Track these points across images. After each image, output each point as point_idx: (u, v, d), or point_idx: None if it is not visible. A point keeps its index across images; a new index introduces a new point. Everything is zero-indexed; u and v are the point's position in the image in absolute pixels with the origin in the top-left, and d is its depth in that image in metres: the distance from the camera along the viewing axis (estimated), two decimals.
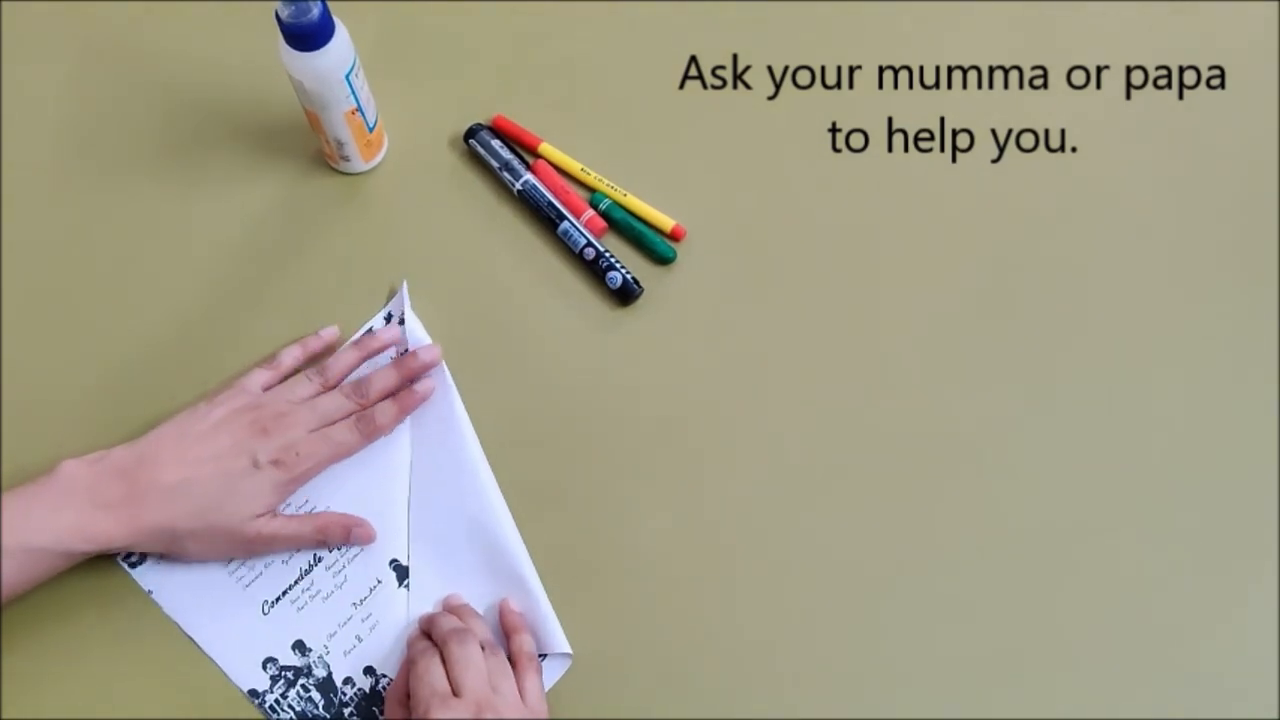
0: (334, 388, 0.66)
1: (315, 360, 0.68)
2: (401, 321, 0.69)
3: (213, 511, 0.60)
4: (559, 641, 0.62)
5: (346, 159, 0.72)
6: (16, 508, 0.58)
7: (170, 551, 0.62)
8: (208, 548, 0.62)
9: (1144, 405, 0.70)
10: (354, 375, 0.67)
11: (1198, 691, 0.63)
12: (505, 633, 0.62)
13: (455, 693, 0.56)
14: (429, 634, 0.61)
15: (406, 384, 0.67)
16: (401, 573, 0.64)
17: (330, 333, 0.69)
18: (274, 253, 0.71)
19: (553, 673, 0.62)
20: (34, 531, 0.58)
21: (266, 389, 0.65)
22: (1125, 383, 0.70)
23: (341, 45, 0.64)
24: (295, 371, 0.67)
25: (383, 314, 0.70)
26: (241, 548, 0.63)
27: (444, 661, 0.58)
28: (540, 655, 0.62)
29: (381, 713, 0.62)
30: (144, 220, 0.72)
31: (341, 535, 0.64)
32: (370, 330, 0.69)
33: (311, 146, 0.74)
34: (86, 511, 0.59)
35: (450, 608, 0.63)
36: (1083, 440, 0.69)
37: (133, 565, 0.63)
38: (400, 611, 0.64)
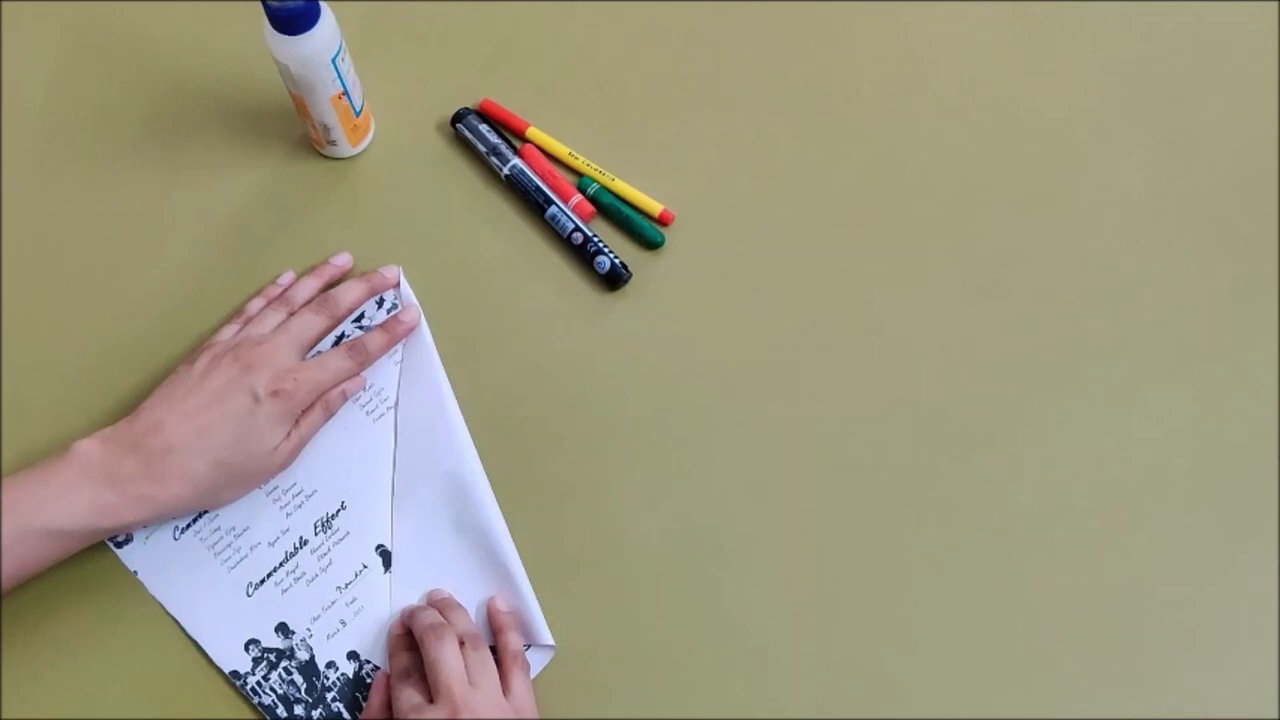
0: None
1: None
2: (393, 307, 0.69)
3: (233, 460, 0.60)
4: (542, 633, 0.62)
5: (333, 143, 0.72)
6: (31, 488, 0.57)
7: (208, 506, 0.63)
8: (241, 489, 0.63)
9: (1145, 400, 0.69)
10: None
11: (1198, 691, 0.63)
12: (493, 631, 0.62)
13: (432, 695, 0.57)
14: (409, 626, 0.61)
15: (373, 294, 0.69)
16: (386, 558, 0.64)
17: (287, 277, 0.69)
18: (260, 237, 0.71)
19: (535, 664, 0.62)
20: (51, 513, 0.57)
21: None
22: (1123, 374, 0.70)
23: (327, 29, 0.64)
24: None
25: (374, 297, 0.69)
26: (272, 476, 0.64)
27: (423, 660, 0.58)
28: (524, 646, 0.62)
29: (365, 698, 0.62)
30: (129, 205, 0.72)
31: (340, 397, 0.65)
32: (362, 314, 0.69)
33: (297, 131, 0.74)
34: (103, 489, 0.58)
35: (433, 602, 0.63)
36: (1082, 435, 0.68)
37: (119, 545, 0.63)
38: (385, 597, 0.64)
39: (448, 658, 0.57)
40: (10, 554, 0.56)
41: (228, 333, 0.66)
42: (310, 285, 0.68)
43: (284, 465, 0.63)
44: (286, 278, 0.69)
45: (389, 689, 0.60)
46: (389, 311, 0.69)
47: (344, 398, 0.66)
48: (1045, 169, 0.75)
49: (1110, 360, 0.70)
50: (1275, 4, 0.80)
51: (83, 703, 0.61)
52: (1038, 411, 0.68)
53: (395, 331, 0.67)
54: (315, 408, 0.64)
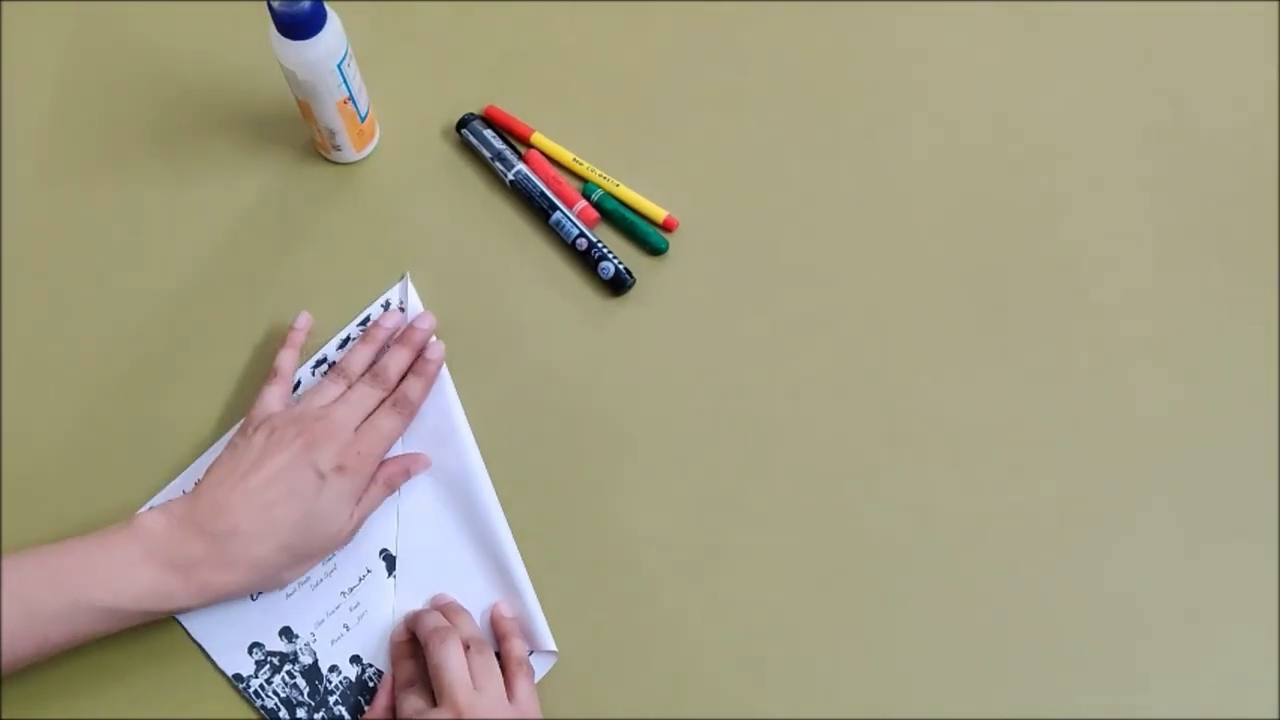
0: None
1: (307, 353, 0.68)
2: (402, 308, 0.69)
3: (298, 542, 0.59)
4: (545, 639, 0.62)
5: (338, 149, 0.72)
6: (92, 560, 0.55)
7: (267, 587, 0.61)
8: (303, 570, 0.62)
9: (1146, 401, 0.69)
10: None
11: (1198, 691, 0.63)
12: (497, 638, 0.62)
13: (436, 698, 0.57)
14: (413, 630, 0.61)
15: (416, 353, 0.67)
16: (391, 562, 0.64)
17: (304, 320, 0.68)
18: (266, 243, 0.71)
19: (537, 671, 0.62)
20: (112, 590, 0.55)
21: (284, 401, 0.65)
22: (1124, 376, 0.70)
23: (333, 34, 0.64)
24: (295, 373, 0.67)
25: (380, 301, 0.70)
26: (332, 552, 0.63)
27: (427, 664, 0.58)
28: (528, 652, 0.62)
29: (368, 702, 0.62)
30: (135, 211, 0.72)
31: (403, 475, 0.65)
32: (368, 319, 0.69)
33: (303, 136, 0.74)
34: (166, 574, 0.56)
35: (438, 606, 0.63)
36: (1084, 435, 0.68)
37: None
38: (389, 601, 0.64)
39: (452, 661, 0.57)
40: (60, 624, 0.55)
41: (272, 397, 0.64)
42: (365, 354, 0.67)
43: (346, 541, 0.63)
44: (303, 320, 0.68)
45: (393, 694, 0.60)
46: (385, 306, 0.69)
47: (407, 475, 0.65)
48: (1048, 174, 0.75)
49: (1110, 362, 0.70)
50: (1275, 4, 0.81)
51: (85, 703, 0.61)
52: (1038, 414, 0.69)
53: (428, 373, 0.66)
54: (377, 484, 0.63)
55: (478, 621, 0.63)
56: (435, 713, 0.56)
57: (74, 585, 0.55)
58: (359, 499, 0.62)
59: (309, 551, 0.61)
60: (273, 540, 0.58)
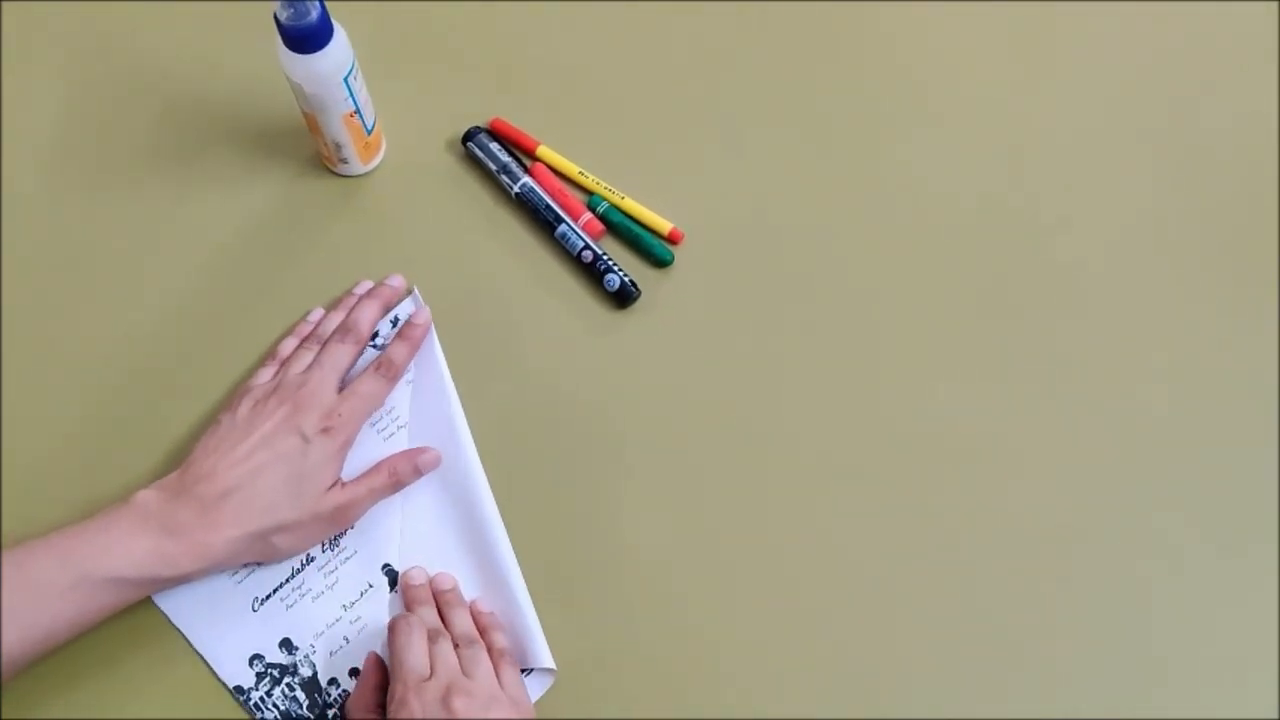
0: None
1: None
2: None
3: (285, 501, 0.60)
4: (543, 656, 0.61)
5: (345, 161, 0.72)
6: (91, 536, 0.57)
7: (264, 556, 0.62)
8: (296, 537, 0.62)
9: (1143, 403, 0.69)
10: None
11: (1198, 691, 0.62)
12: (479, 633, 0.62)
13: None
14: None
15: (387, 309, 0.69)
16: (393, 578, 0.64)
17: (317, 314, 0.70)
18: (272, 255, 0.72)
19: (537, 688, 0.62)
20: (111, 560, 0.57)
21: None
22: (1124, 380, 0.69)
23: (340, 48, 0.64)
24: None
25: (390, 316, 0.70)
26: (327, 525, 0.63)
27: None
28: (526, 670, 0.61)
29: None
30: (141, 223, 0.72)
31: (412, 471, 0.65)
32: (376, 333, 0.69)
33: (309, 149, 0.74)
34: (162, 538, 0.58)
35: (438, 590, 0.63)
36: (1083, 439, 0.68)
37: None
38: (389, 616, 0.63)
39: (444, 655, 0.58)
40: (69, 601, 0.56)
41: (264, 375, 0.66)
42: (336, 319, 0.68)
43: (339, 513, 0.62)
44: (316, 314, 0.69)
45: (378, 671, 0.60)
46: (395, 323, 0.69)
47: (417, 473, 0.65)
48: (1050, 180, 0.75)
49: (1111, 366, 0.69)
50: (1275, 3, 0.80)
51: (85, 712, 0.60)
52: (1041, 420, 0.68)
53: (414, 337, 0.68)
54: (381, 474, 0.64)
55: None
56: (426, 686, 0.56)
57: (78, 560, 0.56)
58: (340, 458, 0.63)
59: (299, 514, 0.61)
60: (262, 500, 0.60)
